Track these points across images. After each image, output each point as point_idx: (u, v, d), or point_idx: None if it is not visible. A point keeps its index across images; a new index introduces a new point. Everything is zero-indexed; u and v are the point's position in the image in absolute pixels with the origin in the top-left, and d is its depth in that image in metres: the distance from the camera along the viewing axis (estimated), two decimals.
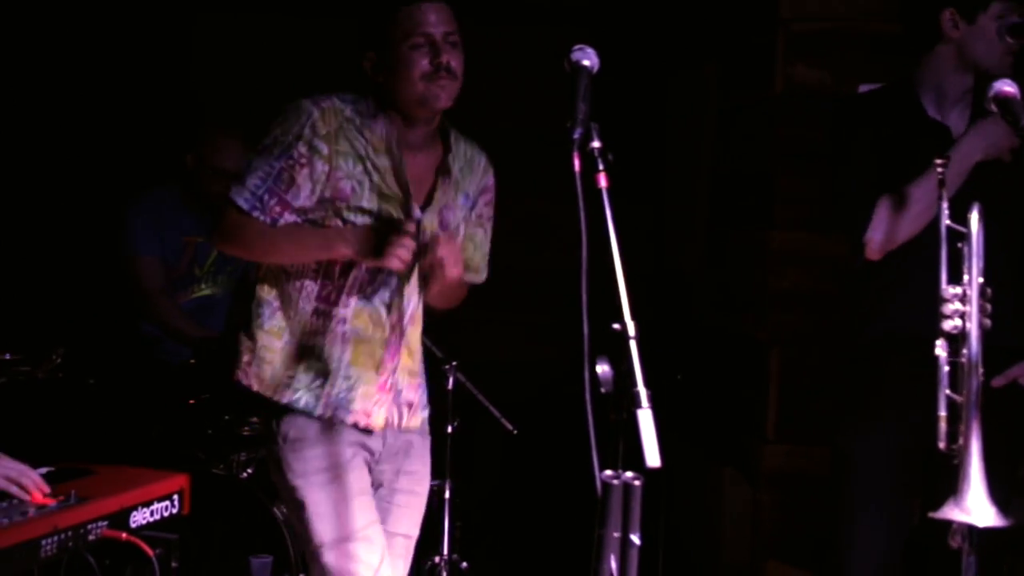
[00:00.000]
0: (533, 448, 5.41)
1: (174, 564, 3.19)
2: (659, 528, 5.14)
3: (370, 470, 3.44)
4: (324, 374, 3.37)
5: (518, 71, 5.69)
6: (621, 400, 2.36)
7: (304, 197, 3.32)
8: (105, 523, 3.07)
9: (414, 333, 3.45)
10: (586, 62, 2.75)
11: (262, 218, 3.32)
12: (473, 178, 3.49)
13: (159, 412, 4.86)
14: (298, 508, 3.36)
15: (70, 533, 2.95)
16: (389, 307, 3.39)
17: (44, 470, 3.25)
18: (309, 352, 3.39)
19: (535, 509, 5.91)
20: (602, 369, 2.38)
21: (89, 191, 5.89)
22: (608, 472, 2.44)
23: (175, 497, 3.38)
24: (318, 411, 3.34)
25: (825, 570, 3.93)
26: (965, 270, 2.98)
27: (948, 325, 2.99)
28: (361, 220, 3.31)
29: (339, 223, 3.32)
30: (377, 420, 3.38)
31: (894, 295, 3.51)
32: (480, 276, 3.57)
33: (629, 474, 2.44)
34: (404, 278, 3.37)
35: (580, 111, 2.62)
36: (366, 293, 3.38)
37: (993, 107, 2.99)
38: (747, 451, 5.11)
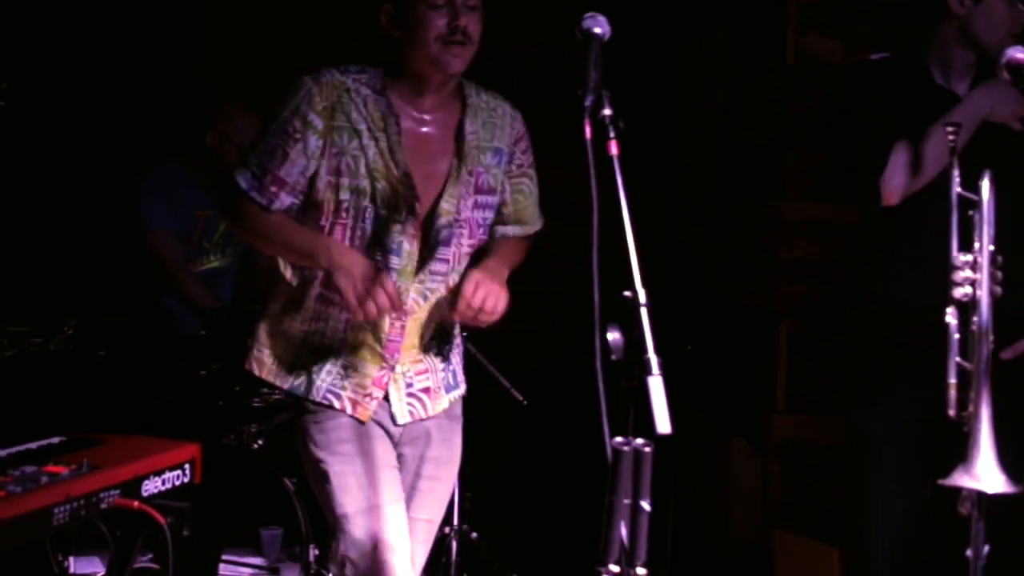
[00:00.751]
0: (544, 418, 5.46)
1: (186, 533, 3.19)
2: (669, 498, 5.16)
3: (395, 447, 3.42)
4: (322, 360, 3.37)
5: (529, 38, 5.68)
6: (632, 367, 2.36)
7: (298, 173, 3.28)
8: (117, 492, 3.06)
9: (421, 324, 3.36)
10: (597, 29, 2.73)
11: (260, 199, 3.29)
12: (501, 131, 3.41)
13: (170, 383, 4.88)
14: (323, 480, 3.35)
15: (82, 501, 2.95)
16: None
17: (56, 440, 3.27)
18: (311, 337, 3.38)
19: (545, 479, 5.94)
20: (613, 336, 2.38)
21: (102, 163, 5.90)
22: (619, 439, 2.44)
23: (187, 466, 3.37)
24: (311, 395, 3.33)
25: (842, 541, 3.99)
26: (976, 238, 2.98)
27: (959, 293, 2.99)
28: (359, 202, 3.27)
29: (334, 206, 3.28)
30: (364, 412, 3.34)
31: (905, 264, 3.54)
32: (536, 225, 3.53)
33: (640, 441, 2.43)
34: (402, 275, 3.30)
35: (591, 79, 2.62)
36: None
37: (1005, 74, 3.00)
38: (757, 422, 5.14)
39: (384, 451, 3.37)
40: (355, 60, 3.35)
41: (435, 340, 3.37)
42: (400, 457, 3.42)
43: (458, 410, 3.54)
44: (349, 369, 3.34)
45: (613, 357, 2.39)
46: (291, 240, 3.33)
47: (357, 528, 3.29)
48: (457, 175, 3.27)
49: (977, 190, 2.99)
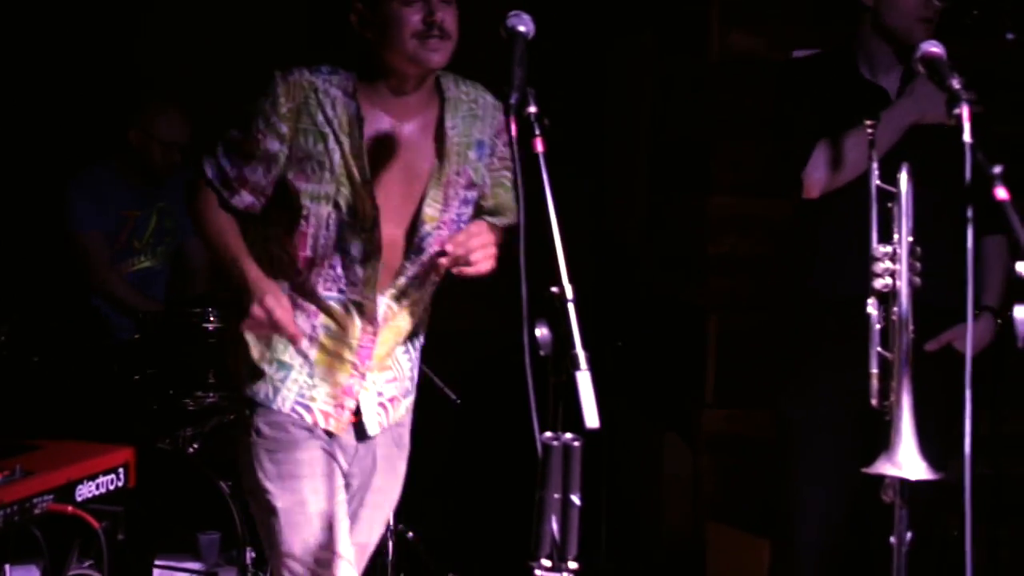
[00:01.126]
0: (478, 416, 5.47)
1: (120, 536, 3.22)
2: (601, 492, 5.23)
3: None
4: (288, 368, 3.29)
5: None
6: (560, 363, 2.38)
7: (261, 175, 3.22)
8: (51, 497, 3.11)
9: (395, 330, 3.30)
10: (521, 28, 2.76)
11: (223, 191, 3.24)
12: (483, 123, 3.32)
13: (104, 388, 4.89)
14: (268, 512, 3.27)
15: (15, 507, 2.99)
16: (360, 307, 3.27)
17: None
18: (278, 344, 3.29)
19: (481, 477, 5.98)
20: (541, 332, 2.40)
21: (30, 166, 5.90)
22: (548, 434, 2.46)
23: (120, 470, 3.41)
24: (275, 404, 3.25)
25: (770, 533, 4.03)
26: (895, 230, 3.01)
27: (879, 284, 3.02)
28: (320, 209, 3.20)
29: (297, 211, 3.21)
30: (337, 424, 3.29)
31: (829, 257, 3.62)
32: (515, 217, 3.33)
33: (569, 436, 2.45)
34: (369, 284, 3.24)
35: (516, 76, 2.64)
36: (336, 290, 3.26)
37: (920, 68, 3.05)
38: (687, 416, 5.18)
39: (337, 488, 3.29)
40: (279, 55, 3.32)
41: (407, 342, 3.33)
42: (349, 476, 3.36)
43: (406, 435, 3.47)
44: (316, 377, 3.27)
45: (542, 353, 2.40)
46: (226, 248, 3.26)
47: (301, 568, 3.24)
48: (439, 177, 3.20)
49: (896, 183, 3.01)
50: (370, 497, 3.39)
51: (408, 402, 3.45)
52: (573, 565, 2.50)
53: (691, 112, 5.22)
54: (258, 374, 3.27)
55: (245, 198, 3.21)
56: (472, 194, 3.30)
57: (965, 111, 2.75)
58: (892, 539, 2.97)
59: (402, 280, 3.27)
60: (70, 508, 3.14)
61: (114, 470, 3.39)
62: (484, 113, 3.29)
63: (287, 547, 3.22)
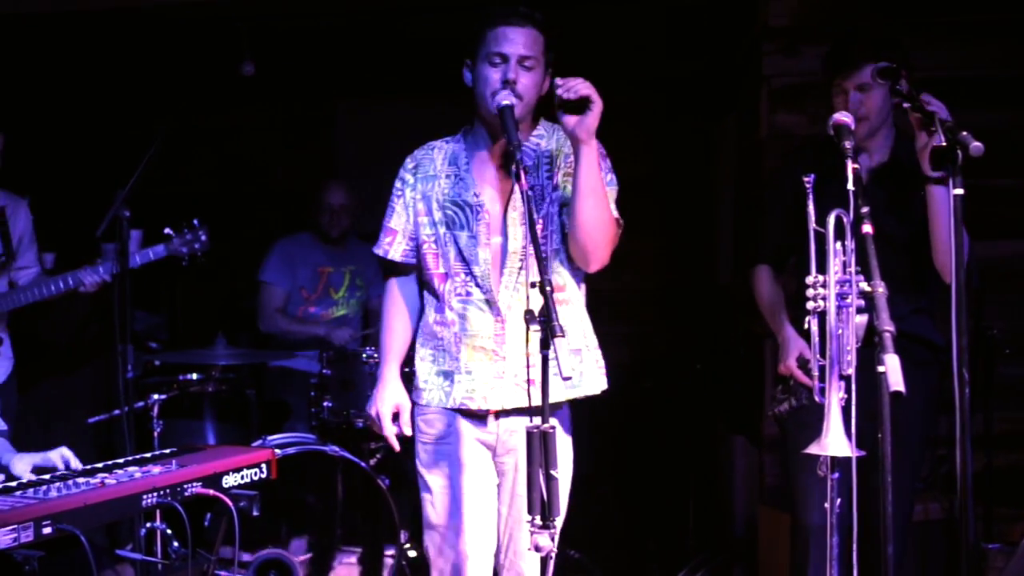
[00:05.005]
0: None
1: (256, 514, 3.40)
2: (690, 483, 5.54)
3: (494, 458, 3.49)
4: (449, 375, 3.46)
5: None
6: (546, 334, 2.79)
7: (404, 221, 3.50)
8: (199, 484, 3.29)
9: (520, 322, 3.22)
10: (506, 102, 3.19)
11: (378, 251, 3.56)
12: (565, 142, 3.40)
13: (298, 413, 5.48)
14: (420, 489, 3.54)
15: (168, 490, 3.18)
16: (488, 303, 3.40)
17: (168, 453, 3.60)
18: (436, 358, 3.50)
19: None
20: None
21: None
22: (530, 423, 2.87)
23: (263, 466, 3.53)
24: (448, 404, 3.44)
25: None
26: (831, 263, 3.22)
27: (809, 306, 3.26)
28: (437, 230, 3.41)
29: (425, 239, 3.43)
30: (494, 404, 3.40)
31: (800, 287, 3.70)
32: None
33: (546, 425, 2.84)
34: (486, 278, 3.37)
35: (516, 138, 3.08)
36: (464, 296, 3.42)
37: (831, 131, 3.34)
38: (752, 422, 5.32)
39: (476, 475, 3.43)
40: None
41: (542, 328, 2.96)
42: (500, 466, 3.49)
43: (565, 422, 3.45)
44: (474, 373, 3.40)
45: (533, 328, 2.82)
46: (381, 347, 3.60)
47: (433, 538, 3.49)
48: (517, 181, 3.15)
49: (825, 225, 3.23)
50: (522, 475, 3.41)
51: (570, 392, 3.43)
52: (558, 523, 2.88)
53: (752, 177, 5.41)
54: (427, 384, 3.49)
55: (397, 247, 3.56)
56: (557, 194, 3.41)
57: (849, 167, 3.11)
58: (826, 504, 3.21)
59: (507, 270, 3.39)
60: (211, 491, 3.30)
61: (257, 465, 3.50)
62: (563, 136, 3.38)
63: (427, 518, 3.50)
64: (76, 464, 3.38)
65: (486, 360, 3.42)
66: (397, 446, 3.58)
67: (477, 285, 3.43)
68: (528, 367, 3.16)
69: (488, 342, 3.41)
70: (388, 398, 3.55)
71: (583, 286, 3.56)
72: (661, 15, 6.21)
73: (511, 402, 3.43)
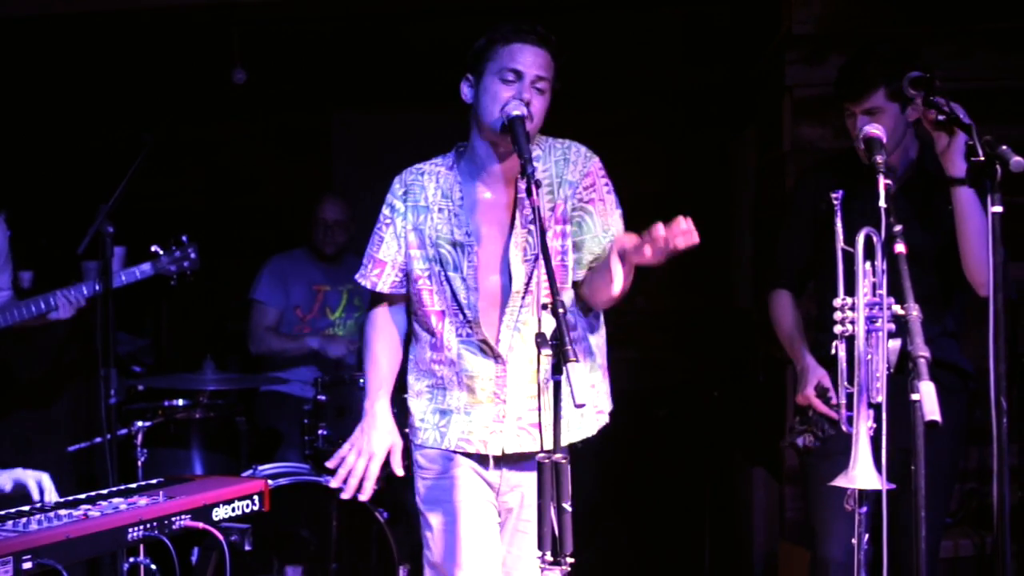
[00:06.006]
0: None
1: (248, 548, 3.30)
2: (706, 517, 5.48)
3: (496, 497, 3.46)
4: (447, 413, 3.44)
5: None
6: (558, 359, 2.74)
7: (395, 252, 3.43)
8: (188, 516, 3.22)
9: (525, 358, 3.31)
10: (516, 112, 3.14)
11: (364, 283, 3.50)
12: (575, 165, 3.35)
13: (291, 441, 5.40)
14: (421, 526, 3.53)
15: (155, 523, 3.12)
16: (487, 346, 3.36)
17: (155, 484, 3.51)
18: (434, 395, 3.48)
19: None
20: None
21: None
22: (541, 454, 2.82)
23: (255, 497, 3.46)
24: (443, 445, 3.43)
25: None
26: (860, 285, 3.16)
27: (837, 330, 3.19)
28: (432, 267, 3.36)
29: (418, 275, 3.38)
30: (493, 449, 3.38)
31: (820, 311, 3.80)
32: (590, 253, 3.36)
33: (558, 455, 2.80)
34: (479, 324, 3.33)
35: (528, 151, 3.03)
36: (464, 337, 3.38)
37: (862, 145, 3.38)
38: (773, 454, 5.25)
39: (475, 513, 3.40)
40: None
41: (554, 352, 2.87)
42: (503, 504, 3.46)
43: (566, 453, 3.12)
44: (472, 414, 3.38)
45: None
46: (366, 373, 3.52)
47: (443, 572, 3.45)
48: (515, 218, 3.25)
49: (855, 244, 3.18)
50: (525, 513, 3.40)
51: (579, 433, 3.40)
52: (570, 560, 2.81)
53: (772, 193, 5.37)
54: (424, 424, 3.47)
55: (385, 279, 3.49)
56: (563, 228, 3.34)
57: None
58: (852, 540, 3.18)
59: (508, 310, 3.33)
60: (200, 524, 3.24)
61: (249, 497, 3.44)
62: (576, 158, 3.37)
63: (427, 554, 3.48)
64: (51, 496, 3.30)
65: (486, 403, 3.39)
66: (368, 496, 3.47)
67: (475, 329, 3.38)
68: (538, 408, 3.17)
69: (488, 384, 3.38)
70: (380, 439, 3.46)
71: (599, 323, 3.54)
72: (677, 23, 6.20)
73: (512, 447, 3.39)
